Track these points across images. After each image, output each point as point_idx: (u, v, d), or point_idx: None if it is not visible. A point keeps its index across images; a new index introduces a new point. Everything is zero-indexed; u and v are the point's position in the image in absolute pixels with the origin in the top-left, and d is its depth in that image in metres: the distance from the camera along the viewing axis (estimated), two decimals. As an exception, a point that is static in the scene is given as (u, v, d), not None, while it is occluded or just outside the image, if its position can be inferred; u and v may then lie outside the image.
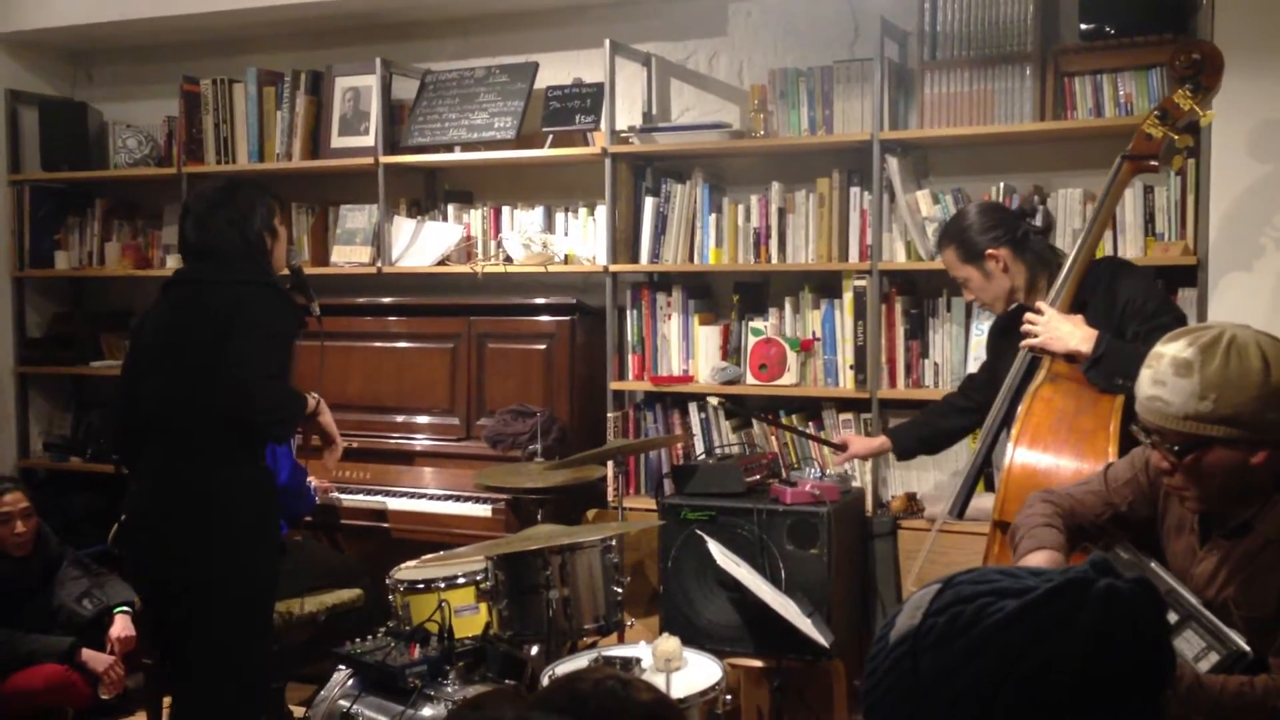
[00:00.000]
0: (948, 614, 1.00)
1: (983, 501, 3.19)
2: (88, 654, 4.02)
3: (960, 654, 0.98)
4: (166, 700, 3.80)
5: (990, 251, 3.05)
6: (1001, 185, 3.78)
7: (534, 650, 3.09)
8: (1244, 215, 3.41)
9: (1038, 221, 3.12)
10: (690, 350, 4.20)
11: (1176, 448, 1.95)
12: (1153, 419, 1.97)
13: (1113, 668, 0.97)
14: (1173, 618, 1.98)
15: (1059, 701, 0.96)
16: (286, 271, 3.37)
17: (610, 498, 4.12)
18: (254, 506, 3.06)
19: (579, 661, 2.88)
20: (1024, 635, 0.97)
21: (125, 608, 4.15)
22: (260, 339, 2.99)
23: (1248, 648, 1.94)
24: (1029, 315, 2.92)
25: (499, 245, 4.48)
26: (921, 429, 3.54)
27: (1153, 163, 2.93)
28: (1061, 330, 2.84)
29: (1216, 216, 3.43)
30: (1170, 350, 1.95)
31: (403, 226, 4.62)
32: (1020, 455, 2.77)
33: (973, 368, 3.79)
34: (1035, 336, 2.88)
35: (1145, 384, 1.98)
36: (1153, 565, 2.09)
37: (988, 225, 3.08)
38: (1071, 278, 2.95)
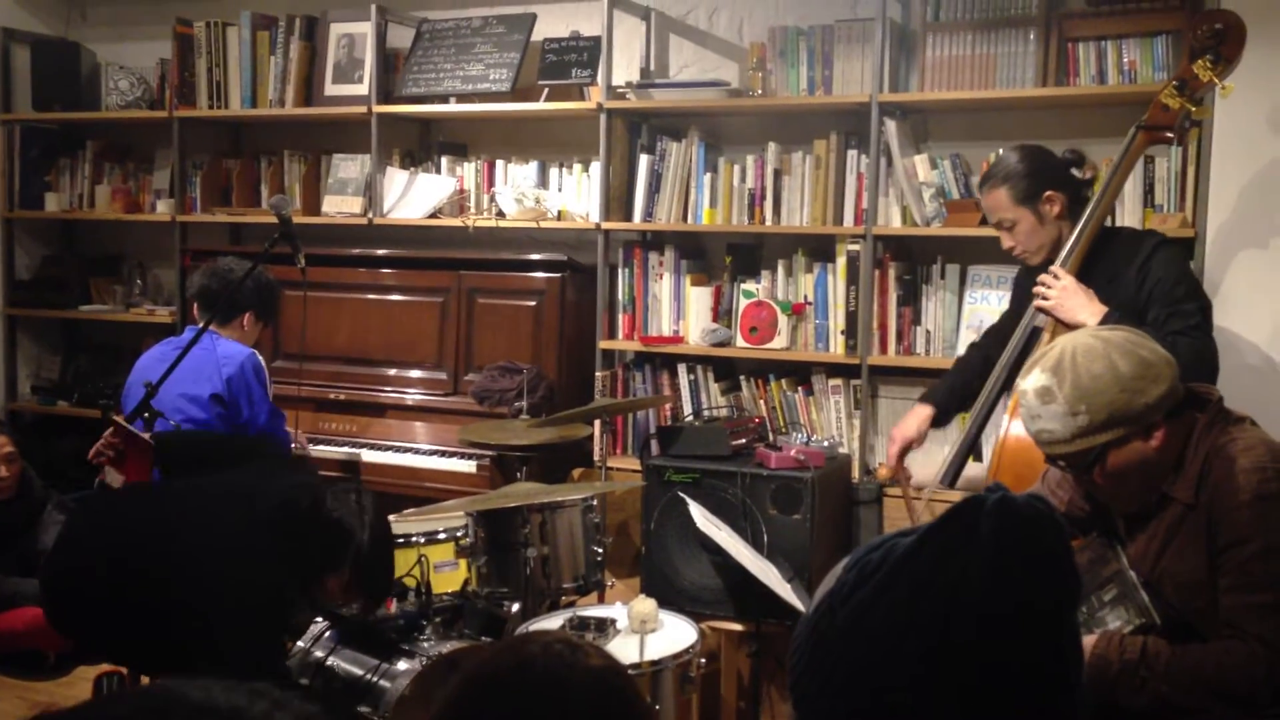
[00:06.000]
0: (858, 566, 1.04)
1: (974, 471, 3.16)
2: (69, 598, 4.02)
3: (872, 592, 1.00)
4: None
5: (1049, 193, 2.92)
6: (1001, 151, 3.71)
7: (512, 608, 3.07)
8: (1248, 188, 3.35)
9: (1083, 174, 3.02)
10: (681, 311, 4.16)
11: (1081, 466, 2.04)
12: (1050, 451, 2.05)
13: (1017, 578, 0.98)
14: (1113, 593, 2.08)
15: (970, 630, 0.96)
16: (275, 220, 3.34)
17: (596, 457, 4.11)
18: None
19: (554, 621, 2.87)
20: (929, 558, 1.00)
21: (108, 553, 4.14)
22: None
23: (1159, 620, 2.03)
24: (1043, 277, 2.85)
25: (492, 199, 4.44)
26: (960, 392, 3.21)
27: (1168, 134, 2.86)
28: (1075, 301, 2.77)
29: (1221, 188, 3.37)
30: (1029, 384, 2.04)
31: (395, 177, 4.57)
32: (1016, 428, 2.73)
33: (965, 335, 3.75)
34: (1047, 299, 2.82)
35: (1026, 423, 2.07)
36: (1116, 548, 2.14)
37: (1044, 166, 2.96)
38: (1080, 246, 2.87)
